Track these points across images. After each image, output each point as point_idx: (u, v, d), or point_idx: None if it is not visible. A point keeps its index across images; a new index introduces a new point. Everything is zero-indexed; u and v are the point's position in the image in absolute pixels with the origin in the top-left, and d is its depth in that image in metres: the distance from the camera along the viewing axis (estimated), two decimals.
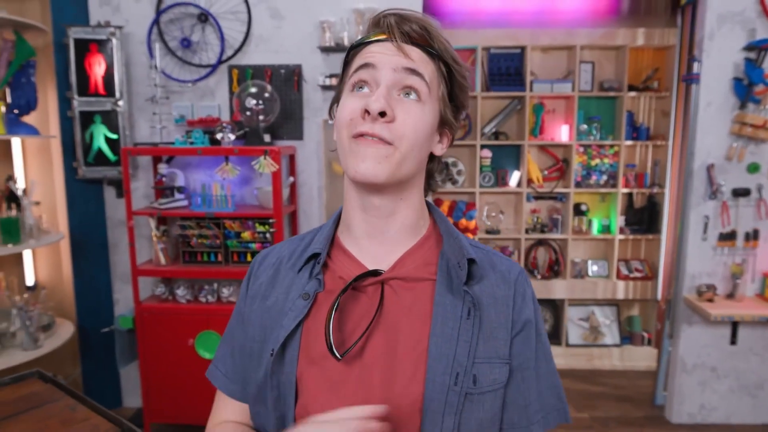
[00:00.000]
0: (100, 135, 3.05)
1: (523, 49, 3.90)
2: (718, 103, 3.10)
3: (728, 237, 3.19)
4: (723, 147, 3.13)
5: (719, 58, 3.07)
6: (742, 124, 3.06)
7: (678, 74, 3.74)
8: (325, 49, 3.03)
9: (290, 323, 0.79)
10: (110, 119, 3.04)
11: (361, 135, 0.73)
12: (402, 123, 0.74)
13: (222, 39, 3.05)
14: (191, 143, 2.87)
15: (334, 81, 3.01)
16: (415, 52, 0.76)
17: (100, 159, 3.07)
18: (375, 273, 0.80)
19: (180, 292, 2.94)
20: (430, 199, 0.90)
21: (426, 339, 0.76)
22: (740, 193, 3.13)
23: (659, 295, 3.98)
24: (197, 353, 2.87)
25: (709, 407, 3.32)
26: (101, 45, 2.98)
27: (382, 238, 0.82)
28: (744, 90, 3.05)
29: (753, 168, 3.13)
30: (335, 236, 0.87)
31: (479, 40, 3.89)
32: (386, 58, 0.75)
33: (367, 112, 0.73)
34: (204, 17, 3.04)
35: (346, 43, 2.98)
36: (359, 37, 0.80)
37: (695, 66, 3.15)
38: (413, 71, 0.75)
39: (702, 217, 3.18)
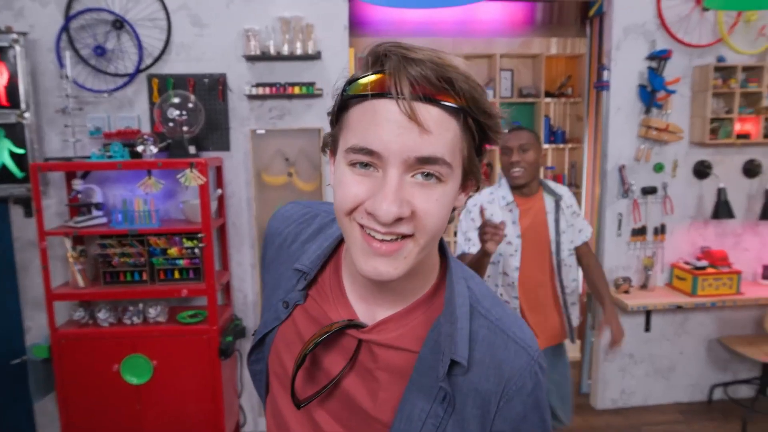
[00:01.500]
0: (4, 150, 2.81)
1: None
2: (627, 108, 3.33)
3: (639, 232, 3.43)
4: (632, 149, 3.36)
5: (625, 67, 3.30)
6: (648, 128, 3.31)
7: (589, 81, 3.97)
8: (251, 58, 2.96)
9: (270, 323, 0.82)
10: (15, 133, 2.81)
11: (365, 228, 0.62)
12: (423, 214, 0.60)
13: (140, 47, 2.90)
14: (110, 157, 2.71)
15: (260, 90, 2.95)
16: (430, 115, 0.58)
17: (5, 176, 2.83)
18: (356, 326, 0.71)
19: (102, 315, 2.76)
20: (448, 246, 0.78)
21: (391, 410, 0.69)
22: (648, 191, 3.38)
23: (581, 290, 4.20)
24: (123, 379, 2.70)
25: (629, 391, 3.55)
26: (2, 52, 2.75)
27: (383, 289, 0.72)
28: (648, 96, 3.29)
29: (658, 168, 3.38)
30: (339, 250, 0.79)
31: None
32: (394, 143, 0.58)
33: (372, 215, 0.60)
34: (119, 24, 2.88)
35: (272, 51, 2.93)
36: (355, 79, 0.61)
37: (605, 74, 3.36)
38: (431, 159, 0.59)
39: (616, 214, 3.40)
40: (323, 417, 0.75)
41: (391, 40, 0.61)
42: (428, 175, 0.60)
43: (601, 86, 3.41)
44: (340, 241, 0.79)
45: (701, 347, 3.60)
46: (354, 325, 0.71)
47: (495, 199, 2.20)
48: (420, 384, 0.68)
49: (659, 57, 3.24)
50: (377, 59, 0.60)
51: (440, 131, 0.59)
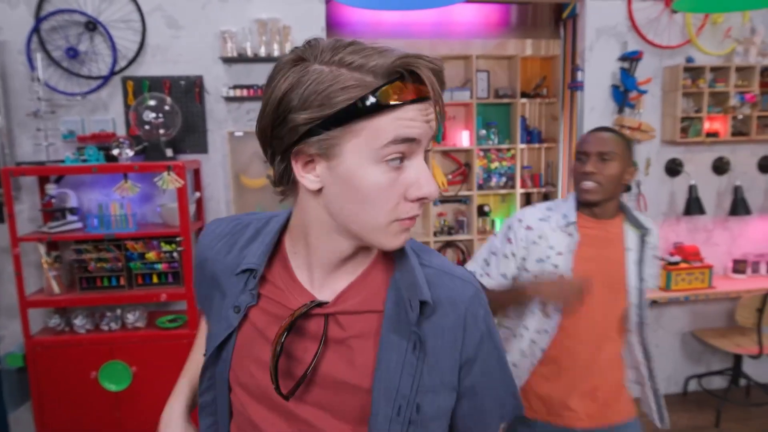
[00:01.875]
0: None
1: None
2: (600, 108, 3.40)
3: None
4: None
5: (599, 68, 3.37)
6: (621, 127, 3.38)
7: (563, 82, 4.04)
8: (228, 60, 2.94)
9: (223, 332, 0.81)
10: None
11: (411, 219, 0.70)
12: (437, 189, 0.72)
13: (114, 49, 2.86)
14: (84, 161, 2.66)
15: (237, 92, 2.93)
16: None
17: None
18: (319, 304, 0.75)
19: (78, 321, 2.71)
20: None
21: (370, 373, 0.74)
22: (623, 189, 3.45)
23: None
24: (102, 386, 2.66)
25: None
26: None
27: (341, 268, 0.78)
28: (621, 96, 3.36)
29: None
30: (282, 246, 0.82)
31: None
32: (426, 128, 0.67)
33: (425, 198, 0.69)
34: (92, 25, 2.84)
35: (249, 53, 2.92)
36: (376, 82, 0.65)
37: (579, 74, 3.43)
38: (434, 135, 0.70)
39: None
40: (307, 410, 0.76)
41: (388, 48, 0.67)
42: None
43: (575, 86, 3.47)
44: (280, 237, 0.82)
45: (676, 341, 3.68)
46: (317, 304, 0.75)
47: (551, 217, 1.64)
48: (390, 340, 0.74)
49: (631, 58, 3.32)
50: (412, 72, 0.65)
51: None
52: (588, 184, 1.57)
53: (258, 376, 0.78)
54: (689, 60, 3.38)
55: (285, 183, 0.73)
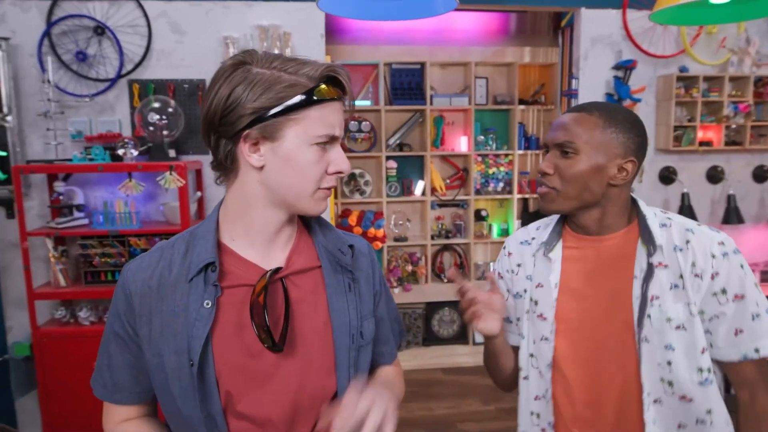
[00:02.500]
0: None
1: (422, 64, 4.12)
2: None
3: None
4: None
5: (593, 76, 3.44)
6: None
7: (561, 89, 4.11)
8: None
9: (202, 333, 0.86)
10: None
11: (329, 188, 0.91)
12: (349, 166, 0.93)
13: (121, 53, 2.98)
14: (91, 160, 2.78)
15: None
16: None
17: None
18: (277, 270, 0.92)
19: (83, 314, 2.82)
20: None
21: (327, 316, 0.95)
22: None
23: None
24: None
25: None
26: None
27: (276, 240, 0.95)
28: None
29: None
30: (220, 243, 0.92)
31: (381, 56, 4.06)
32: (341, 120, 0.90)
33: (341, 173, 0.90)
34: (101, 30, 2.96)
35: None
36: (312, 84, 0.85)
37: (574, 83, 3.50)
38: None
39: None
40: (290, 367, 0.91)
41: (311, 60, 0.88)
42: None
43: (570, 94, 3.55)
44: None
45: None
46: (276, 270, 0.92)
47: (537, 238, 1.25)
48: (333, 286, 0.96)
49: (625, 67, 3.38)
50: (334, 79, 0.87)
51: None
52: (540, 189, 1.16)
53: (244, 362, 0.89)
54: (683, 69, 3.44)
55: (228, 164, 0.88)
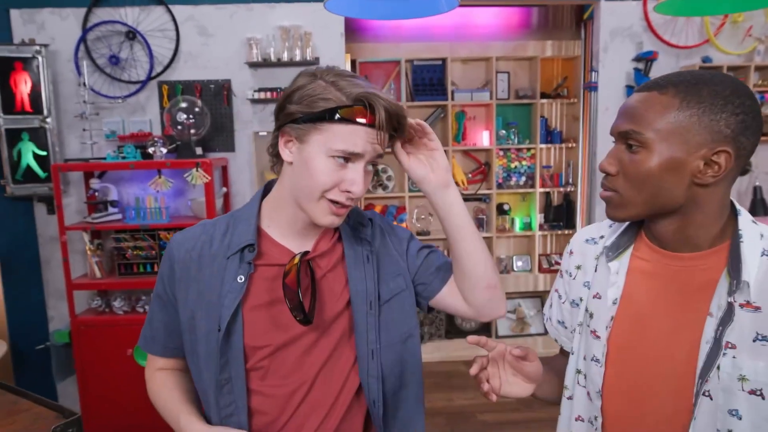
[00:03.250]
0: (29, 152, 3.07)
1: (443, 60, 4.16)
2: (614, 108, 3.45)
3: None
4: None
5: (613, 68, 3.42)
6: None
7: (584, 82, 4.10)
8: (253, 65, 3.17)
9: (232, 303, 0.97)
10: (38, 136, 3.07)
11: (336, 202, 0.96)
12: (361, 191, 0.96)
13: (151, 56, 3.13)
14: (123, 158, 2.94)
15: (262, 95, 3.16)
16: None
17: (29, 176, 3.09)
18: (306, 253, 1.02)
19: (117, 303, 2.99)
20: None
21: (346, 286, 1.04)
22: None
23: None
24: (136, 363, 2.93)
25: None
26: (26, 63, 3.01)
27: (307, 234, 1.05)
28: None
29: None
30: (259, 228, 1.04)
31: (402, 53, 4.12)
32: (370, 147, 0.94)
33: (350, 193, 0.95)
34: (132, 35, 3.12)
35: (273, 58, 3.13)
36: (345, 102, 0.92)
37: (593, 75, 3.49)
38: (382, 155, 0.98)
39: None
40: (313, 336, 1.01)
41: (365, 84, 0.95)
42: (374, 165, 0.99)
43: (590, 87, 3.54)
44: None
45: None
46: (305, 253, 1.02)
47: (605, 238, 1.01)
48: (352, 260, 1.05)
49: (645, 58, 3.36)
50: (370, 106, 0.92)
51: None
52: (602, 193, 0.93)
53: (276, 334, 1.00)
54: (705, 60, 3.39)
55: (273, 154, 1.01)
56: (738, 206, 0.89)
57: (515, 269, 4.41)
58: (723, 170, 0.81)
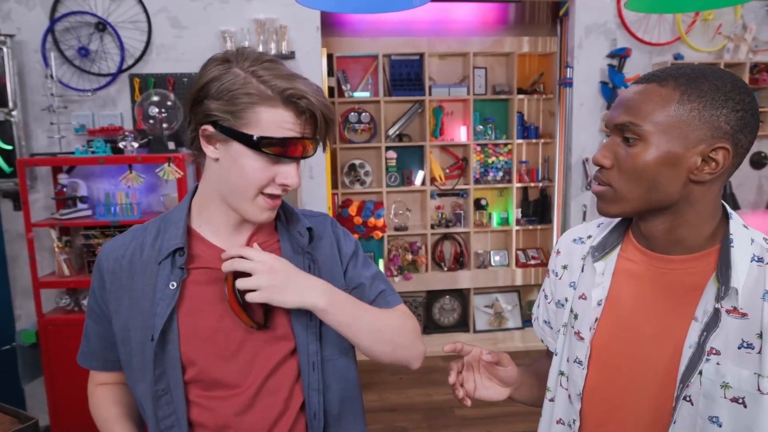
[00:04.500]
0: None
1: (421, 55, 4.16)
2: (589, 104, 3.49)
3: None
4: (595, 143, 3.52)
5: (588, 65, 3.45)
6: None
7: (559, 78, 4.12)
8: None
9: (164, 311, 0.92)
10: (4, 130, 2.97)
11: (273, 197, 0.92)
12: (298, 183, 0.93)
13: (122, 48, 3.05)
14: (93, 152, 2.86)
15: None
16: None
17: None
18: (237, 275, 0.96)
19: (86, 302, 2.91)
20: None
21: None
22: None
23: None
24: None
25: None
26: None
27: (240, 230, 1.00)
28: (609, 92, 3.44)
29: None
30: (190, 229, 0.99)
31: (380, 47, 4.10)
32: (303, 151, 0.90)
33: (287, 186, 0.92)
34: (102, 26, 3.04)
35: None
36: (270, 97, 0.86)
37: (568, 71, 3.52)
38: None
39: (581, 206, 3.56)
40: (255, 339, 0.97)
41: (293, 75, 0.88)
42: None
43: (566, 83, 3.56)
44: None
45: None
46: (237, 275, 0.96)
47: (593, 238, 1.00)
48: (292, 261, 0.97)
49: (619, 55, 3.39)
50: (294, 96, 0.86)
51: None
52: (594, 188, 0.90)
53: (213, 337, 0.95)
54: (677, 57, 3.44)
55: (195, 148, 0.94)
56: (729, 210, 0.87)
57: (493, 264, 4.44)
58: (720, 167, 0.80)
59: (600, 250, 0.94)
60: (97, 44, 3.08)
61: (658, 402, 0.84)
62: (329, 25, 3.89)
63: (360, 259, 1.10)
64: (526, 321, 4.51)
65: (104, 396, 1.07)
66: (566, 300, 1.00)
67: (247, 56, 0.88)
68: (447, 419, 3.30)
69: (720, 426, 0.79)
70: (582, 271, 0.98)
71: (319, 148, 0.94)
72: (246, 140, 0.87)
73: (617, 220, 0.97)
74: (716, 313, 0.80)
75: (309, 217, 1.09)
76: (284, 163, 0.90)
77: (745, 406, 0.77)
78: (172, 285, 0.93)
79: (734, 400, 0.78)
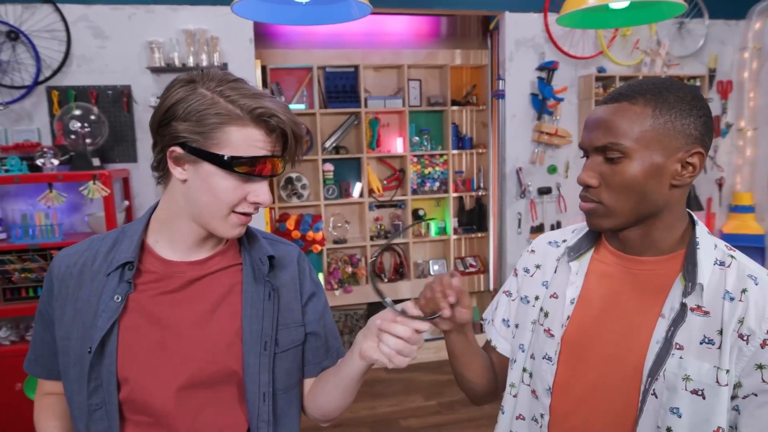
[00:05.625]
0: None
1: (356, 67, 4.15)
2: (521, 115, 3.60)
3: (537, 229, 3.70)
4: (527, 152, 3.63)
5: (518, 77, 3.57)
6: (540, 133, 3.59)
7: (491, 90, 4.24)
8: (156, 70, 2.98)
9: (105, 324, 0.91)
10: None
11: (245, 214, 0.92)
12: (269, 200, 0.93)
13: (37, 58, 2.86)
14: (7, 171, 2.65)
15: None
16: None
17: None
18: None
19: (2, 333, 2.69)
20: None
21: (239, 318, 0.96)
22: (544, 191, 3.66)
23: (491, 286, 4.46)
24: (27, 397, 2.64)
25: None
26: None
27: (201, 248, 0.98)
28: (539, 104, 3.57)
29: (552, 169, 3.67)
30: (145, 243, 0.97)
31: (314, 59, 4.07)
32: (270, 171, 0.90)
33: (259, 204, 0.91)
34: (14, 35, 2.83)
35: (177, 63, 2.97)
36: (240, 116, 0.85)
37: (501, 83, 3.62)
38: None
39: (516, 213, 3.66)
40: (197, 361, 0.94)
41: (260, 94, 0.88)
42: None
43: (498, 95, 3.67)
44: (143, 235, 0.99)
45: None
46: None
47: (568, 241, 1.04)
48: (251, 292, 0.98)
49: (547, 68, 3.53)
50: (264, 114, 0.86)
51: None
52: (583, 205, 0.93)
53: (151, 357, 0.92)
54: (600, 70, 3.63)
55: (161, 170, 0.93)
56: (695, 217, 0.94)
57: (432, 273, 4.48)
58: (698, 169, 0.87)
59: (575, 251, 1.00)
60: (9, 54, 2.87)
61: (626, 396, 0.89)
62: (262, 36, 3.82)
63: (322, 304, 1.08)
64: None
65: (47, 407, 1.04)
66: (536, 298, 1.04)
67: (213, 77, 0.88)
68: (393, 430, 3.28)
69: (680, 417, 0.83)
70: (555, 272, 1.03)
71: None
72: (216, 160, 0.86)
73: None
74: (683, 308, 0.86)
75: (277, 244, 1.07)
76: (255, 182, 0.90)
77: (704, 398, 0.83)
78: (117, 298, 0.92)
79: (694, 392, 0.83)
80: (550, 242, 1.08)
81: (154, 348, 0.92)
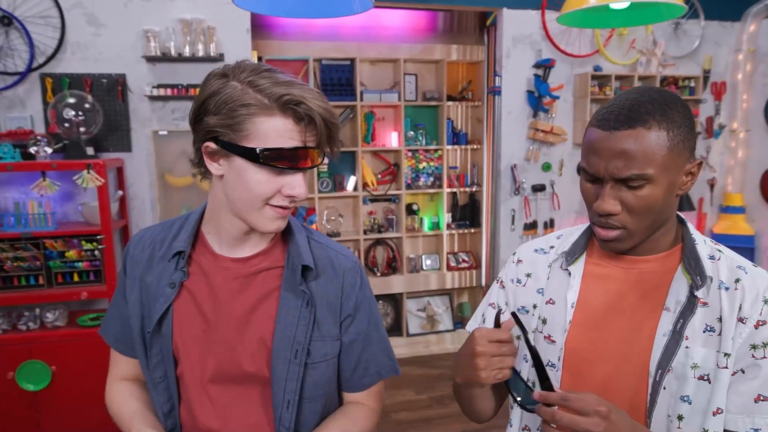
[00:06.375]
0: None
1: (352, 61, 4.14)
2: (517, 112, 3.61)
3: (531, 226, 3.73)
4: (522, 149, 3.65)
5: (515, 74, 3.58)
6: (536, 130, 3.61)
7: (487, 86, 4.25)
8: (151, 59, 2.96)
9: (161, 308, 0.97)
10: None
11: (282, 207, 0.90)
12: (305, 193, 0.91)
13: (31, 45, 2.82)
14: (0, 158, 2.63)
15: (162, 91, 2.95)
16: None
17: None
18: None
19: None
20: None
21: (273, 323, 0.96)
22: (538, 188, 3.68)
23: (483, 282, 4.49)
24: (19, 386, 2.63)
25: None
26: None
27: (246, 242, 0.99)
28: (535, 101, 3.59)
29: (546, 167, 3.69)
30: (200, 232, 1.01)
31: (311, 51, 4.05)
32: (308, 162, 0.88)
33: (293, 197, 0.89)
34: (7, 20, 2.79)
35: (173, 53, 2.94)
36: (267, 105, 0.84)
37: (497, 80, 3.63)
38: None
39: (510, 210, 3.68)
40: (228, 330, 0.99)
41: (292, 81, 0.86)
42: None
43: (494, 91, 3.67)
44: (200, 225, 1.02)
45: None
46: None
47: (555, 248, 1.06)
48: (287, 297, 0.96)
49: (544, 65, 3.54)
50: (291, 102, 0.84)
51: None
52: (607, 234, 0.91)
53: (193, 344, 0.97)
54: (597, 69, 3.64)
55: (201, 166, 0.93)
56: (683, 216, 0.99)
57: (424, 268, 4.49)
58: (697, 176, 0.91)
59: (570, 256, 1.01)
60: (1, 40, 2.83)
61: (635, 391, 0.90)
62: (258, 27, 3.79)
63: (366, 321, 1.03)
64: (458, 323, 4.61)
65: (123, 391, 1.07)
66: (534, 306, 1.04)
67: (245, 68, 0.87)
68: (383, 424, 3.30)
69: (690, 404, 0.86)
70: (548, 278, 1.04)
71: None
72: (247, 154, 0.85)
73: (579, 230, 1.05)
74: (692, 300, 0.89)
75: (329, 250, 1.02)
76: (289, 174, 0.88)
77: (710, 382, 0.86)
78: (172, 285, 0.97)
79: (701, 378, 0.87)
80: (536, 250, 1.09)
81: (196, 336, 0.97)
